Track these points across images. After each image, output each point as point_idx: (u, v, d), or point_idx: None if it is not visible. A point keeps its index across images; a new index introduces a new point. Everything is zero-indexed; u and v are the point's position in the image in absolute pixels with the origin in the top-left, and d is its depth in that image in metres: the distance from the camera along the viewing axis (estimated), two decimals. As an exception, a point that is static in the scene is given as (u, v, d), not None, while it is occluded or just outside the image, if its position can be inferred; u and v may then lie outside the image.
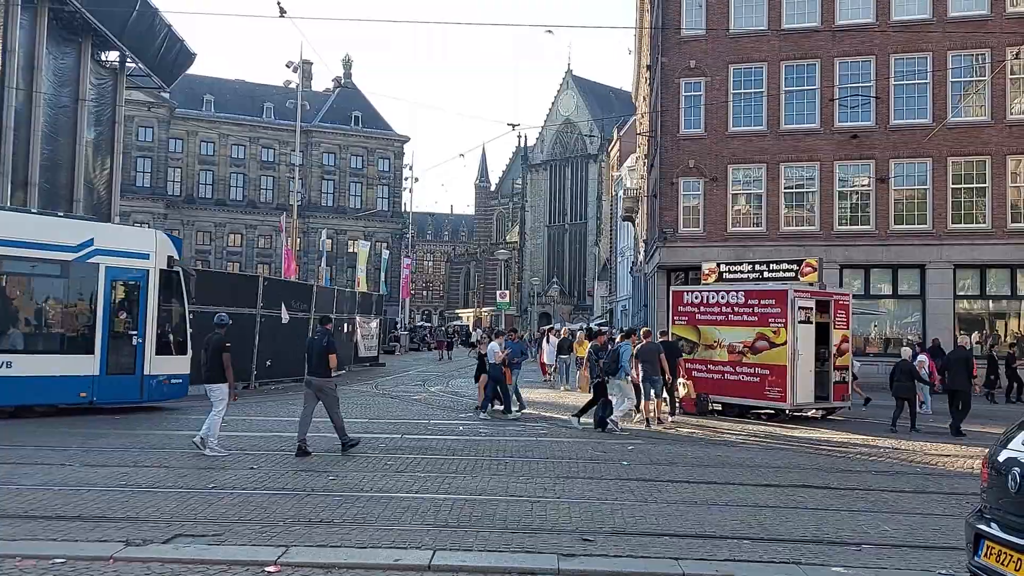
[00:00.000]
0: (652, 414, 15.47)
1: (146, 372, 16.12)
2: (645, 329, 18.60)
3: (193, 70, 43.37)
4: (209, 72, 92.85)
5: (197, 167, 78.92)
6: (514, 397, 17.36)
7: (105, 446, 11.94)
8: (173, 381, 16.64)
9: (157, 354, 16.27)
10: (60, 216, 18.80)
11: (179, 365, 16.74)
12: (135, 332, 16.11)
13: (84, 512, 7.59)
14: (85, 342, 15.60)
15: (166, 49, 35.45)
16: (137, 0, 31.81)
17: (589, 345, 17.12)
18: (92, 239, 15.75)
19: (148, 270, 16.31)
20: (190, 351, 16.67)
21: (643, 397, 15.57)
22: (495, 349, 17.24)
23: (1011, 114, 26.15)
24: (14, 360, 14.69)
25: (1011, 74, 26.00)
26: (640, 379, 15.52)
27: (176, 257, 17.03)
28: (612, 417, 14.65)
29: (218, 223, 78.78)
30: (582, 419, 15.11)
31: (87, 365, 15.42)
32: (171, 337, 16.66)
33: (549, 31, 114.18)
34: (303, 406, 11.63)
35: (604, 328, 30.38)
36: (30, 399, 14.98)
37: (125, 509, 7.78)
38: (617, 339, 16.39)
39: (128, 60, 35.46)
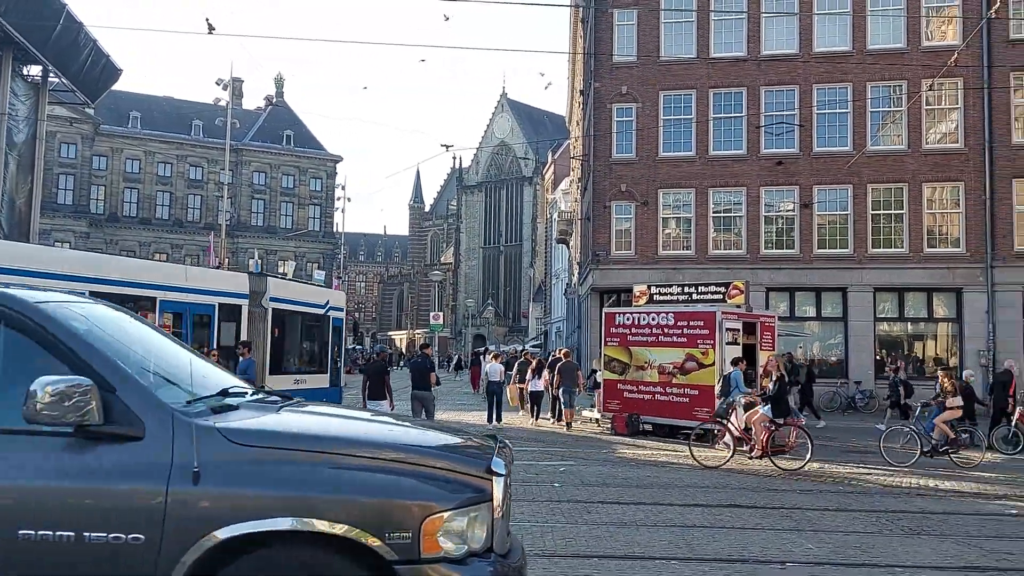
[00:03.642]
0: (570, 419, 19.58)
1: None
2: (565, 350, 21.86)
3: (119, 86, 42.21)
4: (136, 88, 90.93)
5: (122, 185, 76.72)
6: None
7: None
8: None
9: None
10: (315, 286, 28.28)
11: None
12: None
13: None
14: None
15: (91, 64, 34.44)
16: (61, 13, 30.88)
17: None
18: (328, 300, 23.65)
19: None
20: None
21: (563, 405, 19.65)
22: (498, 368, 20.78)
23: (926, 143, 27.24)
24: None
25: (926, 105, 27.12)
26: (560, 391, 19.57)
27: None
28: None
29: (143, 242, 76.57)
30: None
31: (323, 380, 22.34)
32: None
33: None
34: (411, 414, 15.38)
35: (536, 351, 30.62)
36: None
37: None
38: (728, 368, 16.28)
39: (51, 75, 34.36)
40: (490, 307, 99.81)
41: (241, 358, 14.73)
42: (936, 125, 27.58)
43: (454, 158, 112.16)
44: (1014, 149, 26.44)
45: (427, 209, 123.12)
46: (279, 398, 4.44)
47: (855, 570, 7.17)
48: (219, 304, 18.96)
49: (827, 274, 27.31)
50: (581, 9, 36.87)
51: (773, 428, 14.14)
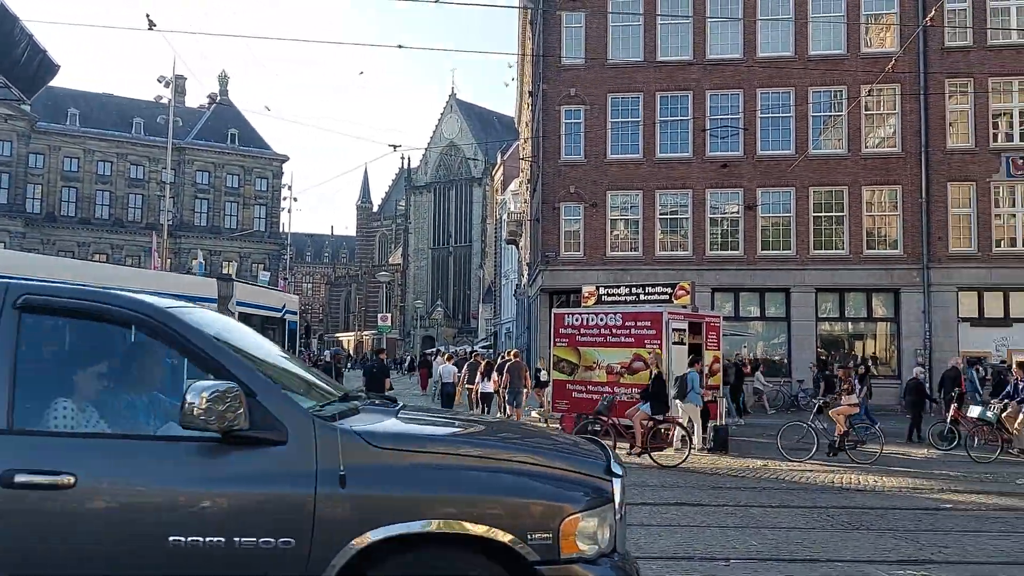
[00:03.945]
0: (518, 419, 18.51)
1: None
2: (515, 351, 21.88)
3: (57, 82, 41.00)
4: (75, 85, 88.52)
5: (60, 184, 74.61)
6: None
7: None
8: None
9: None
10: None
11: None
12: None
13: None
14: None
15: (27, 60, 33.22)
16: (-7, 6, 29.88)
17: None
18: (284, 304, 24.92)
19: None
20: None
21: (511, 404, 19.50)
22: (451, 370, 20.89)
23: (866, 147, 27.93)
24: None
25: (865, 110, 27.80)
26: (506, 390, 19.49)
27: None
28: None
29: (82, 242, 74.55)
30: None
31: None
32: None
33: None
34: None
35: (486, 352, 30.71)
36: None
37: None
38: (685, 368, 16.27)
39: (-17, 69, 33.21)
40: (439, 308, 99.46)
41: None
42: (875, 130, 28.31)
43: (402, 158, 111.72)
44: (949, 153, 27.26)
45: (375, 209, 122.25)
46: (389, 402, 4.54)
47: (796, 565, 7.30)
48: None
49: (770, 275, 27.81)
50: (530, 11, 36.98)
51: (651, 425, 14.45)
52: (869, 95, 27.01)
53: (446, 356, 25.73)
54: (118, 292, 3.85)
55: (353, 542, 3.34)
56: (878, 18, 28.47)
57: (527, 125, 43.46)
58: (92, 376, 3.88)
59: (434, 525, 3.39)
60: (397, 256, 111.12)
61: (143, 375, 3.86)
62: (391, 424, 3.91)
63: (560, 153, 29.29)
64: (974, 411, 16.41)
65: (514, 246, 55.47)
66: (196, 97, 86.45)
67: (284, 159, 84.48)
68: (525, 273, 43.55)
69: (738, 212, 28.37)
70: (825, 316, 28.31)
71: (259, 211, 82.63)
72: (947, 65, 27.37)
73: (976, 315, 27.19)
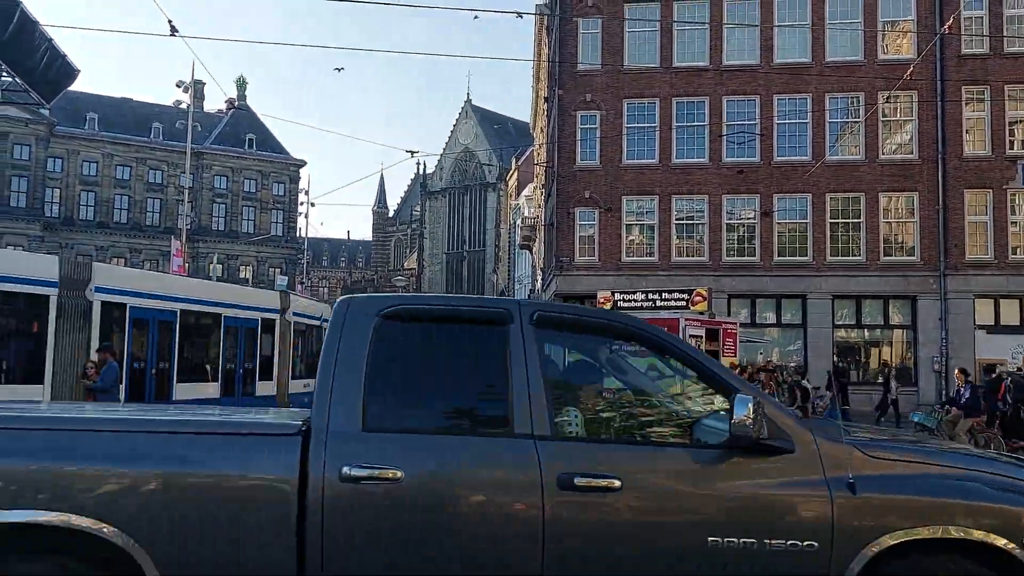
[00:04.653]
0: None
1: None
2: None
3: (76, 87, 41.40)
4: (94, 89, 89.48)
5: (78, 188, 75.28)
6: None
7: None
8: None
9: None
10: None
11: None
12: None
13: None
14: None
15: (46, 64, 33.69)
16: (15, 12, 30.28)
17: None
18: (322, 313, 25.04)
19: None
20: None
21: None
22: None
23: (883, 154, 27.86)
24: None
25: (882, 117, 27.74)
26: None
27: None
28: None
29: (100, 246, 75.13)
30: None
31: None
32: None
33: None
34: None
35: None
36: None
37: None
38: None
39: (4, 74, 33.66)
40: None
41: (109, 361, 13.37)
42: (892, 136, 28.23)
43: (418, 164, 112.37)
44: (966, 160, 27.16)
45: (391, 214, 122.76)
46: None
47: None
48: (261, 319, 21.63)
49: (787, 281, 27.76)
50: (546, 18, 37.12)
51: None
52: (886, 102, 26.95)
53: None
54: (616, 312, 4.44)
55: (869, 546, 3.52)
56: (895, 25, 28.41)
57: (542, 131, 43.58)
58: (607, 386, 4.30)
59: (942, 531, 3.56)
60: (412, 261, 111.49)
61: (656, 386, 4.22)
62: (863, 434, 4.17)
63: (575, 158, 29.37)
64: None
65: (528, 251, 55.57)
66: (214, 101, 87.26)
67: (301, 164, 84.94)
68: (539, 278, 43.61)
69: (754, 218, 28.34)
70: (841, 323, 28.23)
71: (276, 215, 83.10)
72: (964, 72, 27.28)
73: (992, 322, 27.05)
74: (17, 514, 3.30)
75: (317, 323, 25.47)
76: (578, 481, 3.51)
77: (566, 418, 3.86)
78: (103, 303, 16.30)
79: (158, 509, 3.39)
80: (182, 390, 18.37)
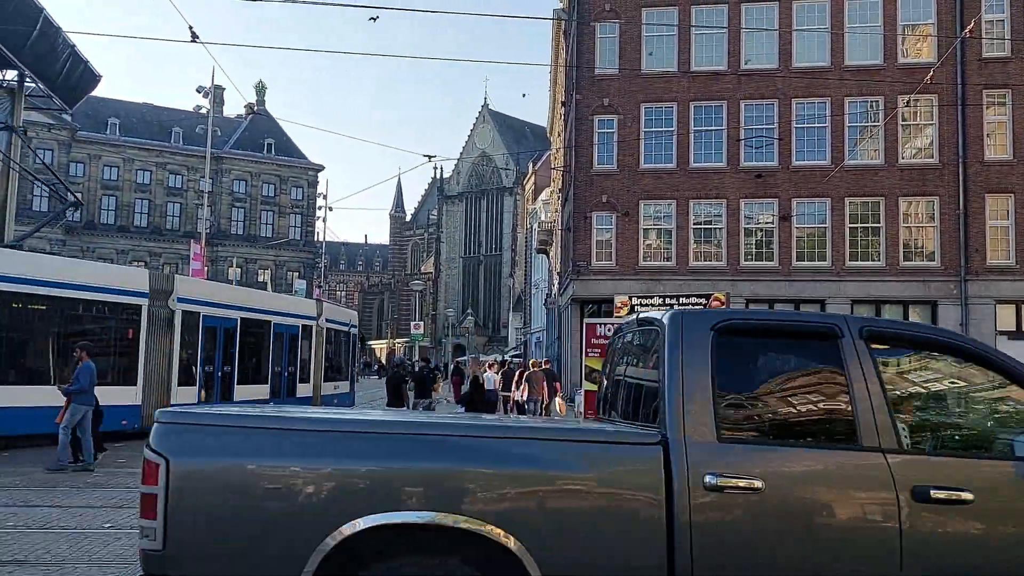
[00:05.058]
0: None
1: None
2: (534, 360, 23.15)
3: (98, 92, 41.85)
4: (115, 95, 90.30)
5: (99, 192, 76.02)
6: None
7: None
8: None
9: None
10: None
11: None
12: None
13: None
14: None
15: (68, 70, 34.08)
16: (38, 18, 30.64)
17: None
18: (350, 319, 28.13)
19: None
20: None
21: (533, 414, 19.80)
22: (492, 378, 20.95)
23: (902, 158, 27.66)
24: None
25: (902, 121, 27.54)
26: (524, 399, 19.61)
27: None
28: None
29: (120, 250, 75.85)
30: None
31: None
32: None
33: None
34: None
35: (516, 361, 30.75)
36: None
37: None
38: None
39: (27, 80, 34.05)
40: (470, 317, 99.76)
41: (81, 362, 12.55)
42: (912, 140, 28.01)
43: (435, 168, 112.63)
44: (987, 165, 26.92)
45: (408, 219, 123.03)
46: None
47: None
48: (302, 325, 23.28)
49: (806, 286, 27.59)
50: (564, 22, 37.14)
51: None
52: (906, 106, 26.77)
53: (487, 364, 25.69)
54: (941, 328, 4.55)
55: None
56: (914, 28, 28.22)
57: (559, 135, 43.58)
58: (950, 402, 4.32)
59: None
60: (429, 265, 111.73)
61: (982, 399, 4.28)
62: None
63: (593, 162, 29.35)
64: None
65: (544, 255, 55.55)
66: (234, 106, 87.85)
67: (319, 168, 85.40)
68: (556, 282, 43.59)
69: (773, 222, 28.20)
70: (861, 328, 27.96)
71: (294, 219, 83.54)
72: (985, 76, 27.04)
73: (1014, 328, 26.74)
74: (408, 515, 3.46)
75: (345, 329, 26.75)
76: (934, 494, 3.61)
77: (908, 431, 3.93)
78: (183, 312, 18.12)
79: (536, 510, 3.54)
80: (241, 391, 20.00)
